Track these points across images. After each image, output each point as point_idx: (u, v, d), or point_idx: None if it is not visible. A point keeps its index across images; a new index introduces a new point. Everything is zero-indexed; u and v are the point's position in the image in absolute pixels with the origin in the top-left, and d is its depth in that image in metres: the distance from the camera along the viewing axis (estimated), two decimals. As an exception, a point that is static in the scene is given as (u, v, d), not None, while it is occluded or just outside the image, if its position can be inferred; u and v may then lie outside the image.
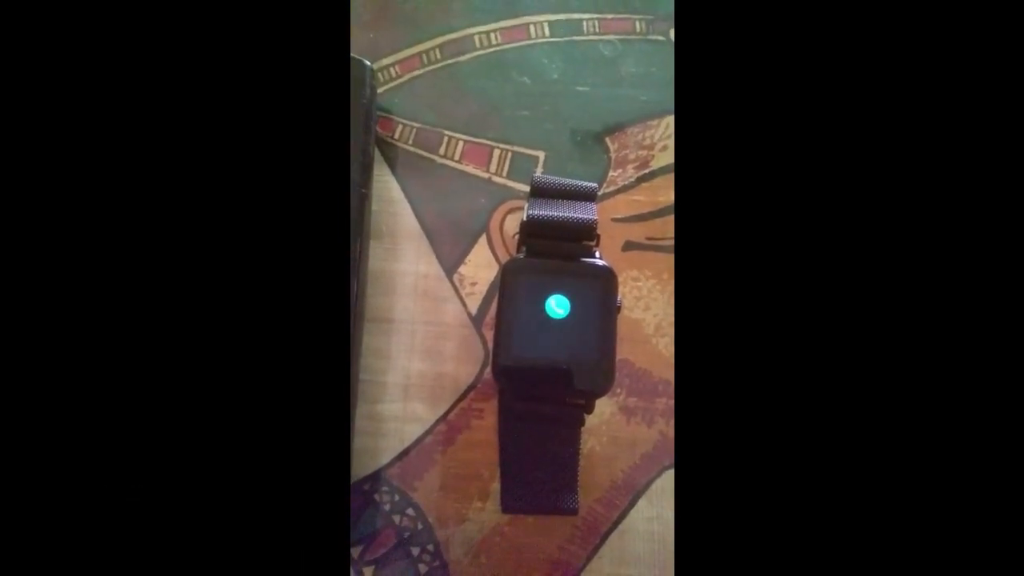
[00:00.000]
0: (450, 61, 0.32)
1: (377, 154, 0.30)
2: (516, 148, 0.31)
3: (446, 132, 0.31)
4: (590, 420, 0.26)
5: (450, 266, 0.29)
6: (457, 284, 0.29)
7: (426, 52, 0.32)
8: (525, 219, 0.24)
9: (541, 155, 0.31)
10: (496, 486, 0.26)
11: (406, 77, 0.32)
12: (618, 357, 0.26)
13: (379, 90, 0.31)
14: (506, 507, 0.25)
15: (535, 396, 0.24)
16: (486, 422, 0.27)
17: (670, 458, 0.27)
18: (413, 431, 0.27)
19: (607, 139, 0.31)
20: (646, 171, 0.31)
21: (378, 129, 0.31)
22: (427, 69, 0.32)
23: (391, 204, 0.30)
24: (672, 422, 0.27)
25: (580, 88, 0.32)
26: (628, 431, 0.27)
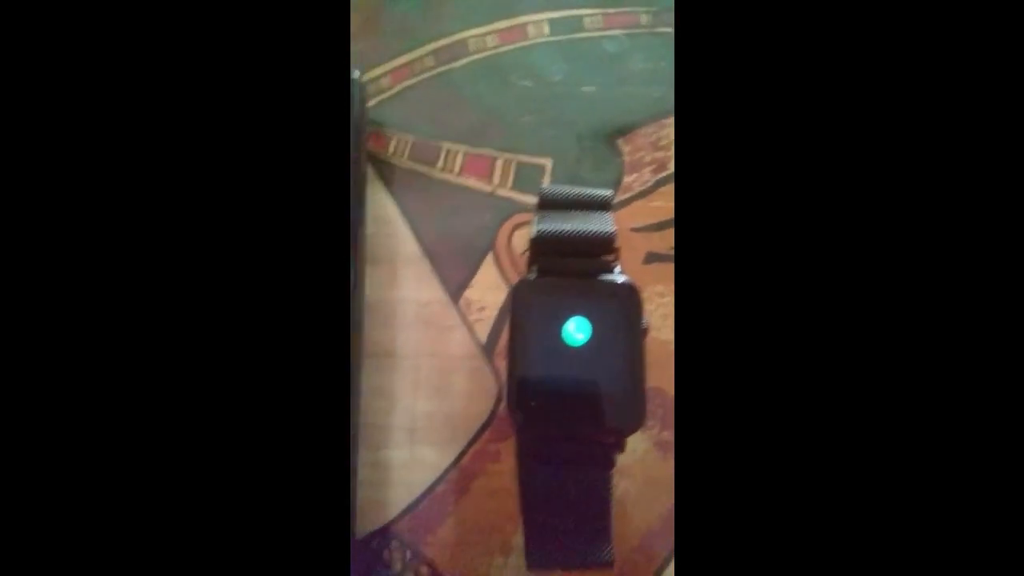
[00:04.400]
0: (443, 68, 0.30)
1: (370, 172, 0.28)
2: (520, 157, 0.29)
3: (444, 144, 0.29)
4: (622, 459, 0.23)
5: (455, 290, 0.27)
6: (463, 310, 0.27)
7: (418, 60, 0.30)
8: (534, 235, 0.22)
9: (548, 162, 0.29)
10: (519, 539, 0.23)
11: (397, 88, 0.30)
12: (649, 385, 0.23)
13: (369, 104, 0.29)
14: (532, 562, 0.22)
15: (557, 435, 0.21)
16: (504, 466, 0.25)
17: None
18: (423, 479, 0.25)
19: (619, 141, 0.29)
20: (664, 174, 0.28)
21: (370, 145, 0.28)
22: (419, 78, 0.30)
23: (387, 225, 0.28)
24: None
25: (586, 88, 0.30)
26: (665, 470, 0.25)
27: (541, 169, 0.28)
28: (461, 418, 0.25)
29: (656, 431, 0.25)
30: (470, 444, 0.25)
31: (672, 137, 0.29)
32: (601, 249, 0.22)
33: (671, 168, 0.28)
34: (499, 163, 0.29)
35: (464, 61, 0.30)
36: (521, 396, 0.20)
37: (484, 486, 0.24)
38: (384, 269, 0.27)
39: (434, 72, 0.30)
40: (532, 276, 0.22)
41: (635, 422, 0.21)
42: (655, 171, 0.28)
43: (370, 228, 0.27)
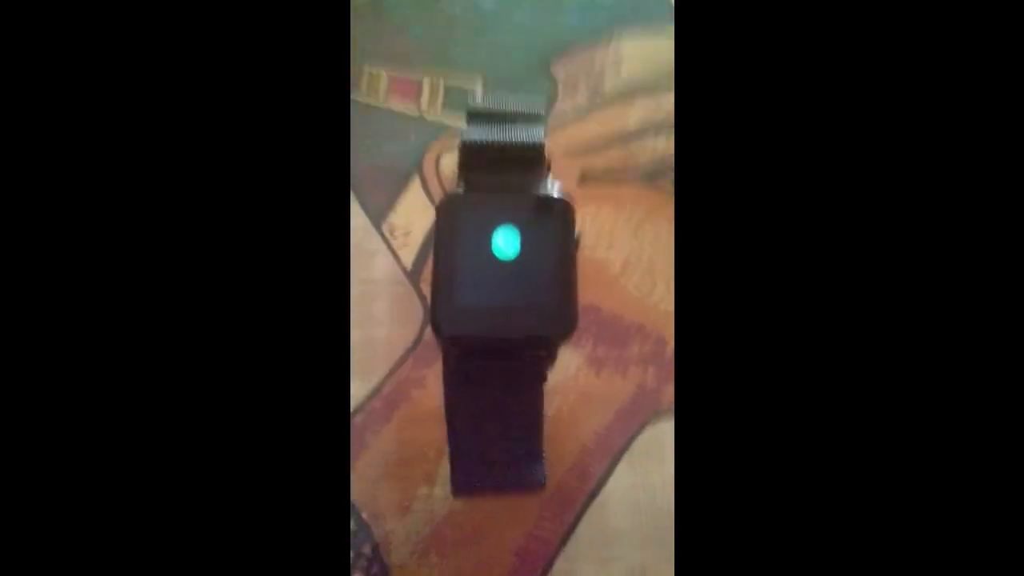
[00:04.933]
0: (368, -4, 0.29)
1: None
2: (450, 81, 0.27)
3: (366, 67, 0.27)
4: (555, 377, 0.22)
5: (376, 214, 0.25)
6: (387, 234, 0.25)
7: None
8: (460, 145, 0.21)
9: (479, 87, 0.28)
10: (445, 467, 0.22)
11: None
12: (583, 302, 0.22)
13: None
14: (458, 488, 0.21)
15: (486, 351, 0.20)
16: (429, 392, 0.23)
17: (651, 411, 0.23)
18: None
19: (552, 66, 0.28)
20: (598, 97, 0.28)
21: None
22: (343, 4, 0.28)
23: (305, 150, 0.26)
24: (651, 370, 0.24)
25: (518, 16, 0.29)
26: (599, 385, 0.24)
27: (472, 93, 0.28)
28: (384, 345, 0.24)
29: (589, 347, 0.24)
30: (392, 371, 0.23)
31: (606, 62, 0.28)
32: (533, 161, 0.21)
33: (605, 92, 0.28)
34: (427, 86, 0.27)
35: (390, -12, 0.29)
36: (448, 314, 0.19)
37: (407, 414, 0.23)
38: (301, 193, 0.25)
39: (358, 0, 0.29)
40: (459, 190, 0.21)
41: (567, 328, 0.19)
42: (590, 95, 0.28)
43: (286, 152, 0.26)
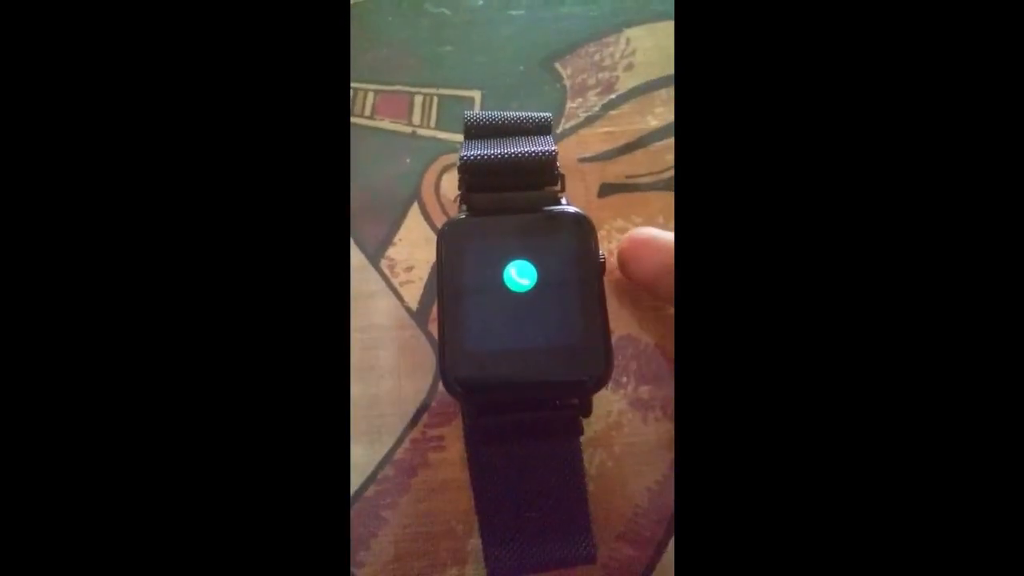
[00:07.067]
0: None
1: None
2: (443, 91, 0.25)
3: (351, 84, 0.24)
4: (592, 426, 0.20)
5: (374, 250, 0.22)
6: (387, 272, 0.22)
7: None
8: (459, 164, 0.19)
9: (476, 95, 0.25)
10: (476, 542, 0.19)
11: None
12: (617, 334, 0.19)
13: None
14: (494, 570, 0.18)
15: (509, 404, 0.18)
16: (450, 454, 0.20)
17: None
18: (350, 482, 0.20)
19: (557, 65, 0.25)
20: (612, 96, 0.25)
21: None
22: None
23: (287, 183, 0.23)
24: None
25: (513, 12, 0.26)
26: (647, 432, 0.21)
27: (469, 102, 0.25)
28: (392, 401, 0.21)
29: (631, 387, 0.21)
30: (406, 432, 0.20)
31: (617, 56, 0.25)
32: (543, 176, 0.19)
33: (619, 89, 0.25)
34: (419, 100, 0.25)
35: (368, -8, 0.26)
36: (459, 363, 0.17)
37: (426, 482, 0.20)
38: (286, 233, 0.22)
39: (334, 7, 0.26)
40: (461, 215, 0.18)
41: (602, 374, 0.17)
42: (601, 94, 0.25)
43: (266, 187, 0.23)
